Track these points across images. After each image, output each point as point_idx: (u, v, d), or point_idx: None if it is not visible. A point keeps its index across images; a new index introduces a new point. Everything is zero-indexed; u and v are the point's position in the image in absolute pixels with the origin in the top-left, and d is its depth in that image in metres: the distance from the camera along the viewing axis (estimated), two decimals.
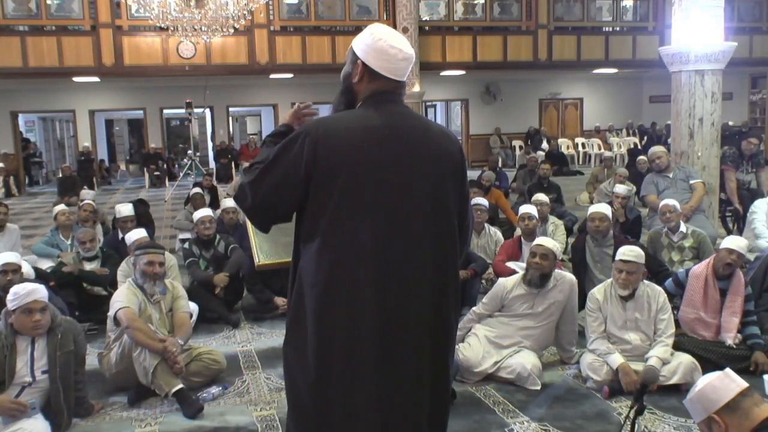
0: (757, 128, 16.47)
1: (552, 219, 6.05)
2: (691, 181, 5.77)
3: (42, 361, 3.12)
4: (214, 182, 10.16)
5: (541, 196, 6.08)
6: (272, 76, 13.73)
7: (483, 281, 5.31)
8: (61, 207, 6.35)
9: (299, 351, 1.89)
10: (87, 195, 7.65)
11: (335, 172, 1.80)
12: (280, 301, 5.03)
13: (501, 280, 4.05)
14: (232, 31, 9.24)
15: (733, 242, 3.87)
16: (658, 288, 3.77)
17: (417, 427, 1.91)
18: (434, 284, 1.89)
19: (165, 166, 15.88)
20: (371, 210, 1.81)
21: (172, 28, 9.20)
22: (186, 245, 5.48)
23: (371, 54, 1.87)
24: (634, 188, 7.44)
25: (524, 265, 4.19)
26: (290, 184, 1.83)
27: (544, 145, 16.03)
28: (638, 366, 3.51)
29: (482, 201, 5.90)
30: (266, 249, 3.73)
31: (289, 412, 2.00)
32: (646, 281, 3.73)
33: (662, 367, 3.48)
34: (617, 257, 3.70)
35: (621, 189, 6.32)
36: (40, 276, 4.51)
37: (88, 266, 5.07)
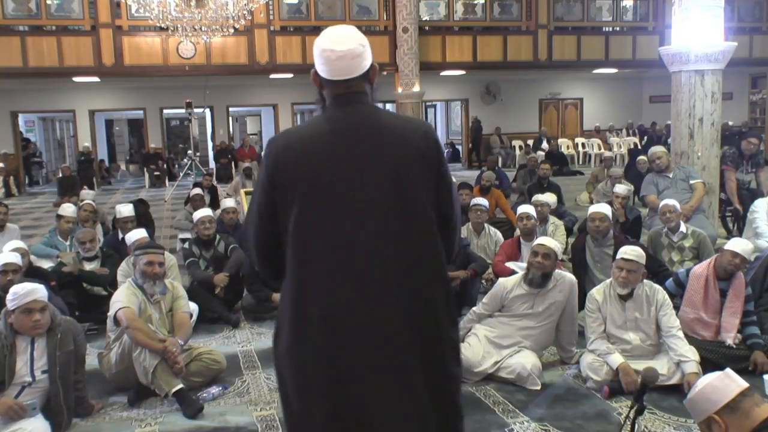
0: (757, 128, 16.47)
1: (552, 219, 6.04)
2: (691, 181, 5.76)
3: (42, 361, 3.12)
4: (214, 182, 10.17)
5: (541, 197, 6.08)
6: (272, 76, 13.72)
7: (483, 281, 5.31)
8: (68, 209, 6.08)
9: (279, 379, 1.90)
10: (87, 195, 7.65)
11: (292, 188, 1.77)
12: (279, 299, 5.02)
13: (501, 280, 4.05)
14: (232, 31, 9.24)
15: (738, 245, 3.85)
16: (657, 286, 3.77)
17: None
18: (406, 286, 1.75)
19: (165, 166, 15.89)
20: (325, 222, 1.75)
21: (172, 28, 9.20)
22: (186, 245, 5.48)
23: (317, 61, 1.84)
24: (632, 187, 7.44)
25: (524, 265, 4.19)
26: (267, 204, 1.83)
27: (544, 145, 16.04)
28: (638, 366, 3.50)
29: (482, 201, 5.90)
30: None
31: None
32: (645, 281, 3.73)
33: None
34: (619, 255, 3.70)
35: (621, 189, 6.31)
36: (41, 275, 4.51)
37: (88, 266, 5.06)
